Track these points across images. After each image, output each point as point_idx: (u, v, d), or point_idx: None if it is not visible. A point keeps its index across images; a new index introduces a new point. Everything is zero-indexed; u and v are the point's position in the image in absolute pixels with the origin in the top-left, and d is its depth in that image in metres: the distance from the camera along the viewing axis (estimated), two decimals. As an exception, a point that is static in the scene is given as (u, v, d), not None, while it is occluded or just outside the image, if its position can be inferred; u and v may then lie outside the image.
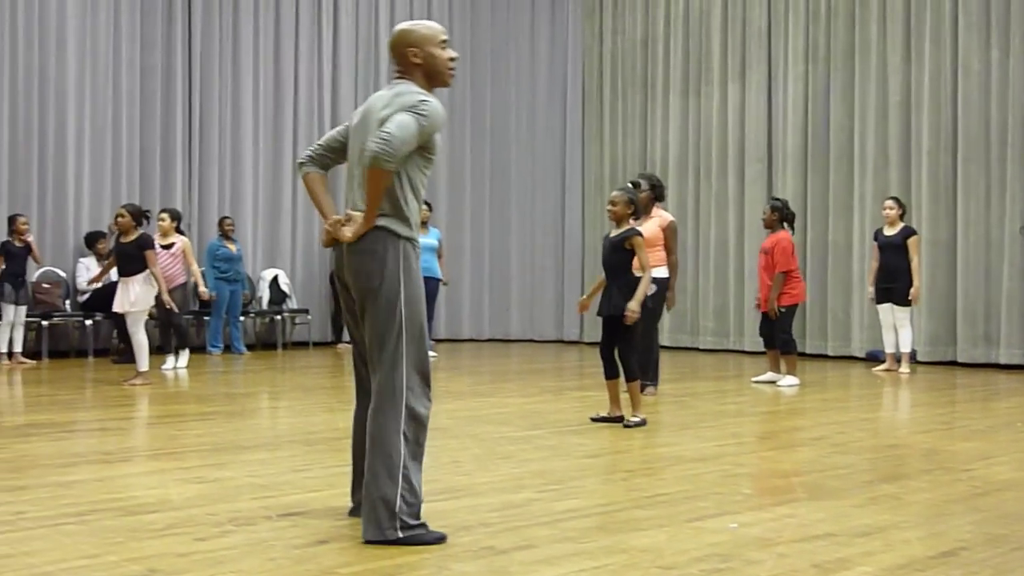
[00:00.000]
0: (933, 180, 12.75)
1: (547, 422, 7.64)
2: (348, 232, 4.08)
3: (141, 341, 9.73)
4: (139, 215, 9.99)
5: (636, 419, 7.36)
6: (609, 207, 7.54)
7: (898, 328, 11.46)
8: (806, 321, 13.63)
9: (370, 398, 4.17)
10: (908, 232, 11.45)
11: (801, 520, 4.58)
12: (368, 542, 4.03)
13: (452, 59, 4.30)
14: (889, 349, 11.61)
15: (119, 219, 9.94)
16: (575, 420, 7.79)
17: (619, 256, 7.37)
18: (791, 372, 10.23)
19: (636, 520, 4.56)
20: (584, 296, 7.83)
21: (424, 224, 12.70)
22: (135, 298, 9.71)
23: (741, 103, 14.76)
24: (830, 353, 13.40)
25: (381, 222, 4.07)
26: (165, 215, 11.80)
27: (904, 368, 11.42)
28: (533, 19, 17.05)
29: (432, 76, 4.25)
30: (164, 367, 11.20)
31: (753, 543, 4.16)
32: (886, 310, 11.48)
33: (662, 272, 8.92)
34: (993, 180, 12.34)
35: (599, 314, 7.50)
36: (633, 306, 7.19)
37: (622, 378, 7.43)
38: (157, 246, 10.56)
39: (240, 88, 14.55)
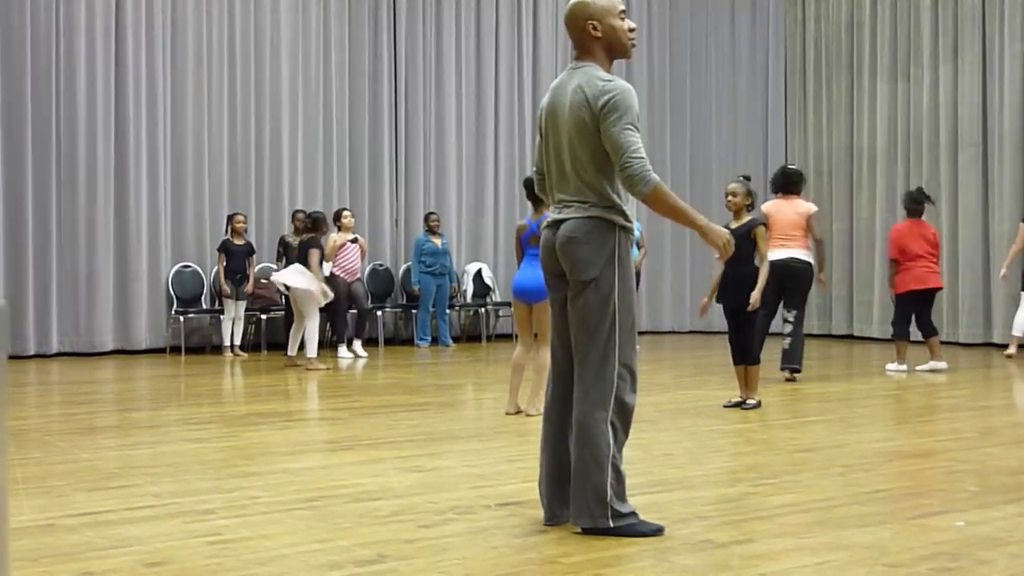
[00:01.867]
0: None
1: (756, 415, 7.54)
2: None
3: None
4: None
5: (753, 401, 7.79)
6: (729, 198, 7.89)
7: None
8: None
9: (564, 386, 4.22)
10: None
11: (1032, 520, 4.40)
12: (583, 531, 4.09)
13: (632, 30, 4.26)
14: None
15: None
16: (785, 414, 7.67)
17: (745, 246, 7.57)
18: (937, 355, 10.63)
19: (857, 516, 4.47)
20: (705, 298, 7.80)
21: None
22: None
23: (954, 86, 14.18)
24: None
25: (596, 212, 4.09)
26: (349, 212, 12.64)
27: None
28: (733, 6, 16.81)
29: (613, 49, 4.23)
30: (340, 355, 12.24)
31: (982, 542, 4.02)
32: None
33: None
34: None
35: (723, 304, 7.82)
36: (756, 295, 7.57)
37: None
38: (344, 240, 12.43)
39: (443, 87, 14.88)
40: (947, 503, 4.72)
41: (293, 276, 11.21)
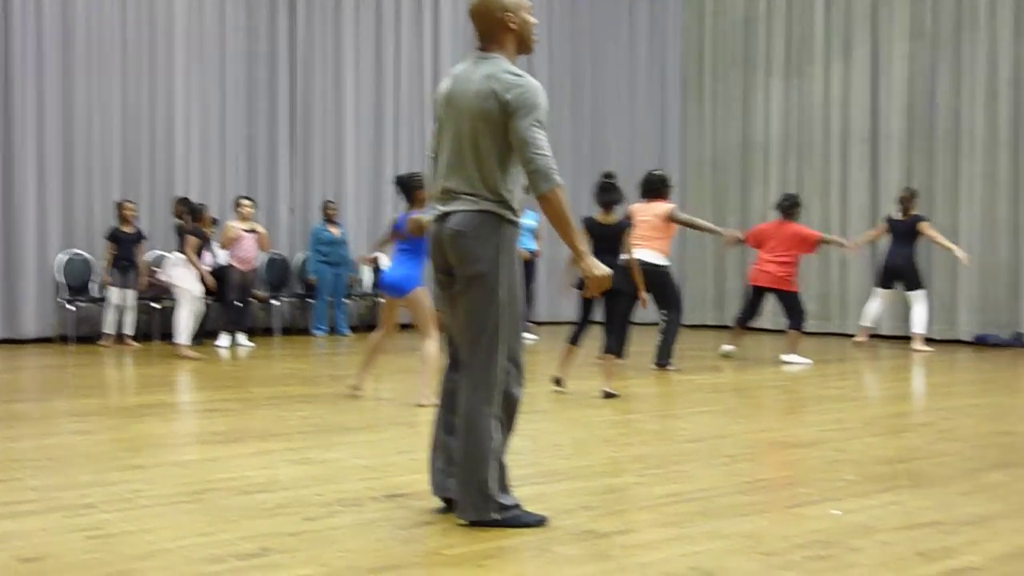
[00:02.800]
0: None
1: (648, 407, 7.65)
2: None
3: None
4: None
5: (610, 391, 7.99)
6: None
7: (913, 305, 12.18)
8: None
9: (454, 378, 4.25)
10: (917, 219, 12.05)
11: (905, 508, 4.55)
12: (468, 524, 4.11)
13: (535, 25, 4.31)
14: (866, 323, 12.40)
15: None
16: (675, 404, 7.79)
17: (615, 241, 8.12)
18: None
19: (738, 505, 4.57)
20: (570, 284, 8.08)
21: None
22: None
23: (845, 83, 14.52)
24: (936, 336, 13.14)
25: (485, 205, 4.09)
26: (248, 201, 12.51)
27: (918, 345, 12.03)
28: (632, 0, 16.96)
29: (523, 43, 4.24)
30: (219, 344, 12.20)
31: (856, 530, 4.15)
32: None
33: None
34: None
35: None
36: (642, 296, 8.29)
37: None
38: (240, 231, 12.30)
39: (341, 74, 14.76)
40: (825, 492, 4.84)
41: (173, 266, 11.39)
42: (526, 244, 12.68)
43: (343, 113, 14.78)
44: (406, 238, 7.44)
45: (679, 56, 16.70)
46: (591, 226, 8.12)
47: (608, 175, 8.27)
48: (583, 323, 8.33)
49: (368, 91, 15.01)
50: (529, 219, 12.82)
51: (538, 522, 4.14)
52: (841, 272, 14.46)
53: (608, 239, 8.04)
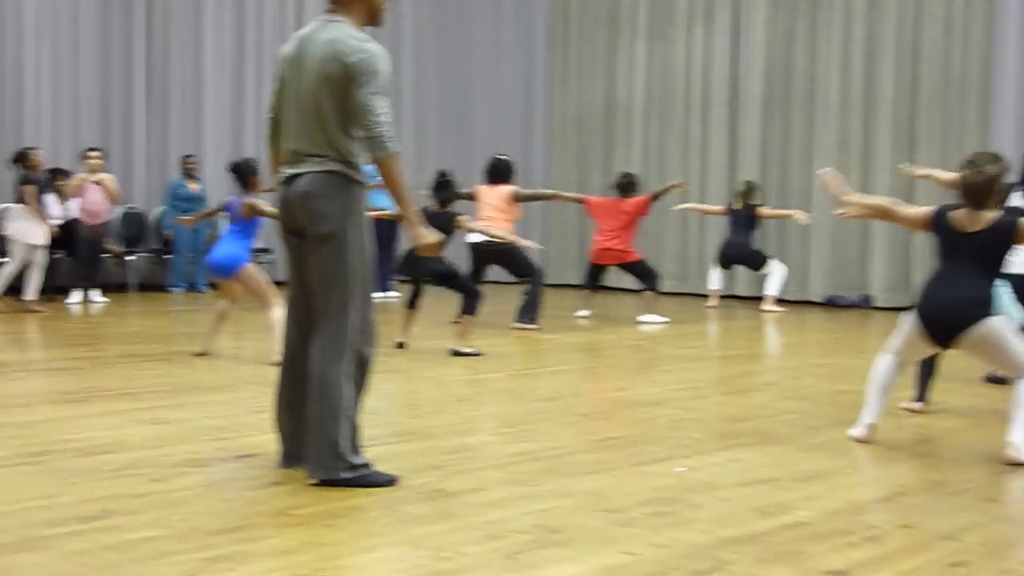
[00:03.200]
0: (895, 128, 12.91)
1: (505, 366, 7.72)
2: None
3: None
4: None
5: (469, 350, 8.10)
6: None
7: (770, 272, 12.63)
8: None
9: (303, 335, 4.25)
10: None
11: (746, 465, 4.70)
12: (318, 483, 4.11)
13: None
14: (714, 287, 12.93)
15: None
16: (532, 363, 7.88)
17: (446, 225, 8.32)
18: (654, 310, 11.12)
19: (586, 463, 4.66)
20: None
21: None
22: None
23: (707, 47, 14.77)
24: (789, 298, 13.54)
25: (334, 167, 4.10)
26: (96, 152, 12.09)
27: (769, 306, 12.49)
28: (500, -42, 16.91)
29: (373, 13, 4.25)
30: (70, 300, 11.87)
31: (697, 487, 4.27)
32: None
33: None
34: (951, 128, 12.48)
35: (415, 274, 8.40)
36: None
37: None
38: (84, 181, 11.84)
39: (201, 23, 14.38)
40: (671, 450, 4.97)
41: (15, 218, 11.12)
42: (390, 205, 12.58)
43: (202, 64, 14.41)
44: (236, 219, 7.52)
45: (546, 16, 16.73)
46: (425, 215, 8.30)
47: (443, 173, 8.61)
48: (419, 286, 8.48)
49: (229, 43, 14.66)
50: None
51: (388, 482, 4.16)
52: (701, 234, 14.77)
53: (439, 226, 8.17)
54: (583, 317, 11.21)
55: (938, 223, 5.04)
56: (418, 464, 4.54)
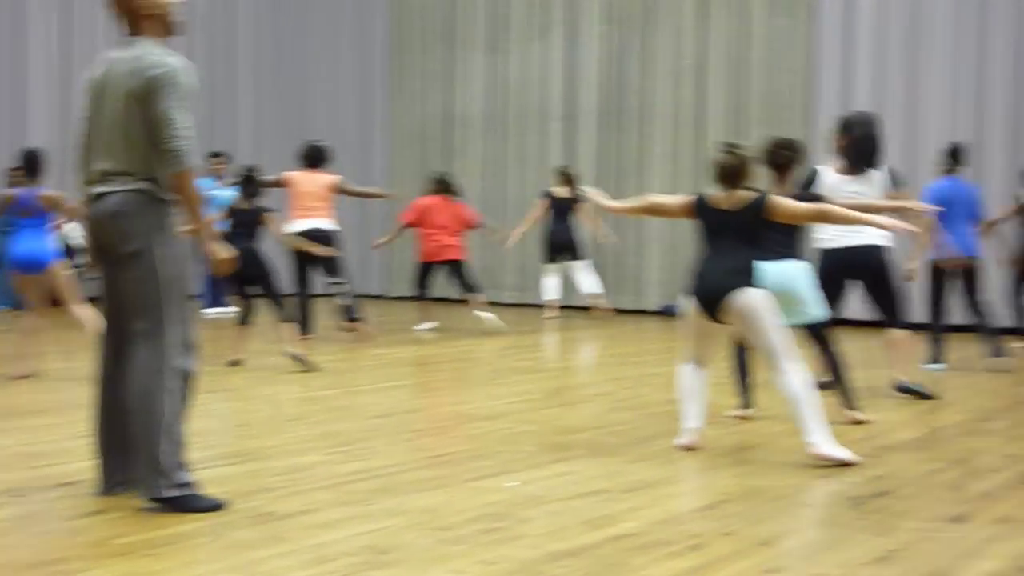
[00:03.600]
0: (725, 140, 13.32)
1: (339, 382, 7.65)
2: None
3: None
4: None
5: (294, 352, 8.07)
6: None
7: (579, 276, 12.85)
8: (607, 275, 14.08)
9: (116, 355, 4.20)
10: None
11: (577, 477, 4.77)
12: (148, 502, 4.02)
13: (176, 5, 4.29)
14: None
15: None
16: (367, 379, 7.84)
17: (253, 223, 8.45)
18: (427, 317, 11.27)
19: (419, 481, 4.66)
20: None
21: (220, 177, 12.55)
22: None
23: (543, 61, 14.97)
24: (626, 307, 13.80)
25: (142, 185, 4.10)
26: None
27: (601, 305, 12.69)
28: (336, -30, 16.80)
29: (167, 25, 4.25)
30: None
31: (528, 501, 4.32)
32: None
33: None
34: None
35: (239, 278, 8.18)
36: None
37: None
38: None
39: (24, 27, 13.88)
40: (505, 464, 5.01)
41: None
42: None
43: (25, 69, 13.90)
44: (31, 213, 7.36)
45: (384, 28, 16.68)
46: (232, 211, 8.45)
47: (248, 168, 8.72)
48: (248, 301, 8.38)
49: (53, 46, 14.17)
50: (228, 191, 12.52)
51: (214, 507, 4.09)
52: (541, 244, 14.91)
53: (246, 223, 8.34)
54: (425, 330, 11.17)
55: (700, 207, 5.36)
56: (248, 487, 4.47)
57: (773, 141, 6.40)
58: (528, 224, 13.09)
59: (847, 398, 6.17)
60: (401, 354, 9.41)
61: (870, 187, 6.93)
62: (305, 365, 7.86)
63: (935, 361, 8.61)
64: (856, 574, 3.46)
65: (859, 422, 6.08)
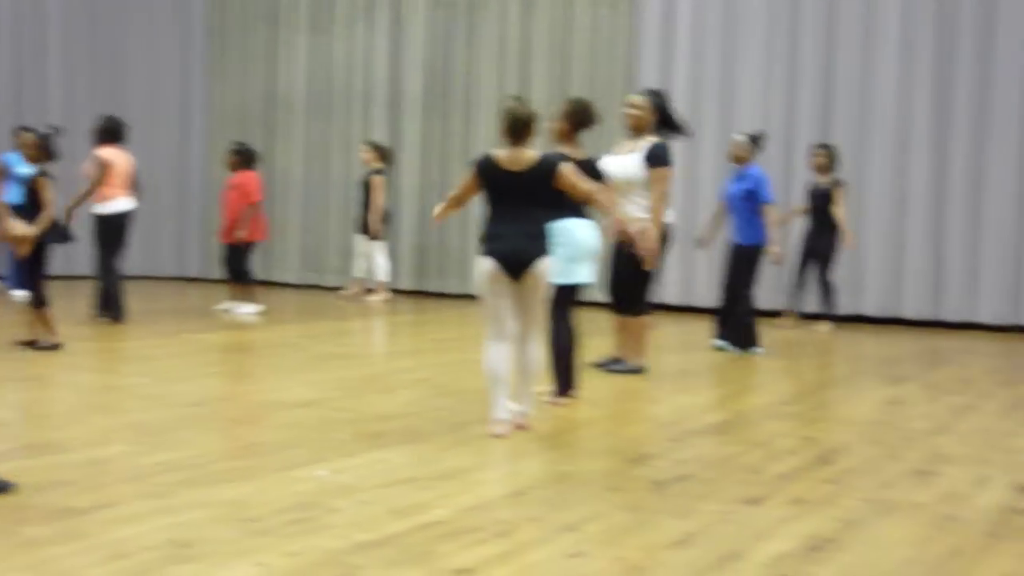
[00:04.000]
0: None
1: (151, 370, 7.44)
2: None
3: None
4: None
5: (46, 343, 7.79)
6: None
7: (372, 257, 13.03)
8: (426, 261, 14.11)
9: None
10: (374, 172, 12.95)
11: (389, 465, 4.76)
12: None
13: None
14: (358, 275, 13.26)
15: None
16: (181, 366, 7.65)
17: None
18: (249, 300, 11.15)
19: (228, 472, 4.57)
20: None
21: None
22: None
23: (367, 44, 14.84)
24: (453, 291, 13.83)
25: None
26: None
27: (379, 295, 12.89)
28: (154, -57, 16.26)
29: None
30: None
31: (338, 491, 4.29)
32: (359, 240, 13.11)
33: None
34: (602, 128, 13.12)
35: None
36: None
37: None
38: None
39: None
40: (317, 453, 4.96)
41: None
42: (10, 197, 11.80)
43: None
44: None
45: (203, 7, 16.23)
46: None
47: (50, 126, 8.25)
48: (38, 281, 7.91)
49: None
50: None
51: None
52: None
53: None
54: (248, 314, 10.97)
55: (484, 170, 5.41)
56: (45, 480, 4.30)
57: (570, 100, 6.61)
58: (376, 214, 13.05)
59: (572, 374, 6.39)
60: (217, 339, 9.22)
61: (630, 165, 7.24)
62: (43, 347, 7.64)
63: (746, 345, 8.92)
64: (655, 557, 3.56)
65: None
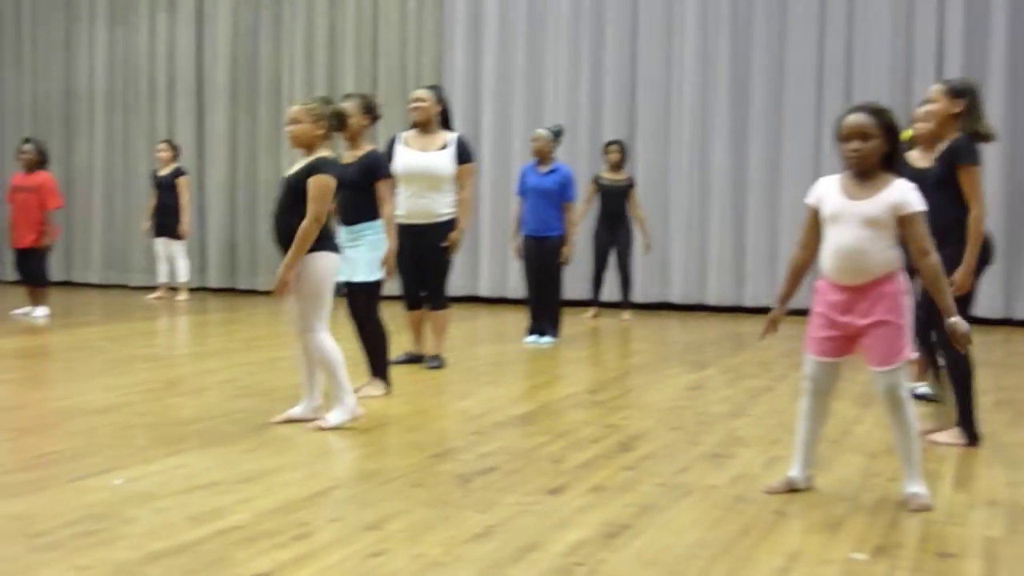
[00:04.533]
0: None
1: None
2: None
3: None
4: None
5: None
6: None
7: (175, 259, 12.84)
8: (235, 258, 13.85)
9: None
10: (179, 172, 12.78)
11: (189, 470, 4.65)
12: None
13: None
14: (163, 279, 12.95)
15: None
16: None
17: None
18: (43, 303, 10.74)
19: (14, 485, 4.38)
20: None
21: None
22: None
23: (170, 35, 14.44)
24: (260, 288, 13.59)
25: None
26: None
27: (181, 296, 12.77)
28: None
29: None
30: None
31: (134, 499, 4.16)
32: (160, 243, 12.84)
33: None
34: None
35: None
36: None
37: None
38: None
39: None
40: (114, 460, 4.80)
41: None
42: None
43: None
44: None
45: (-7, -6, 15.52)
46: None
47: None
48: None
49: None
50: None
51: None
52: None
53: None
54: (38, 317, 10.55)
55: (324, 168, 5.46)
56: None
57: (357, 97, 6.69)
58: (150, 211, 12.90)
59: (382, 370, 6.47)
60: (11, 345, 8.83)
61: (442, 160, 7.32)
62: None
63: (543, 333, 9.08)
64: (454, 551, 3.58)
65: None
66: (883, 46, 11.51)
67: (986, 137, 5.25)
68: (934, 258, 4.13)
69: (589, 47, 12.55)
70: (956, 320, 4.18)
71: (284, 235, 5.43)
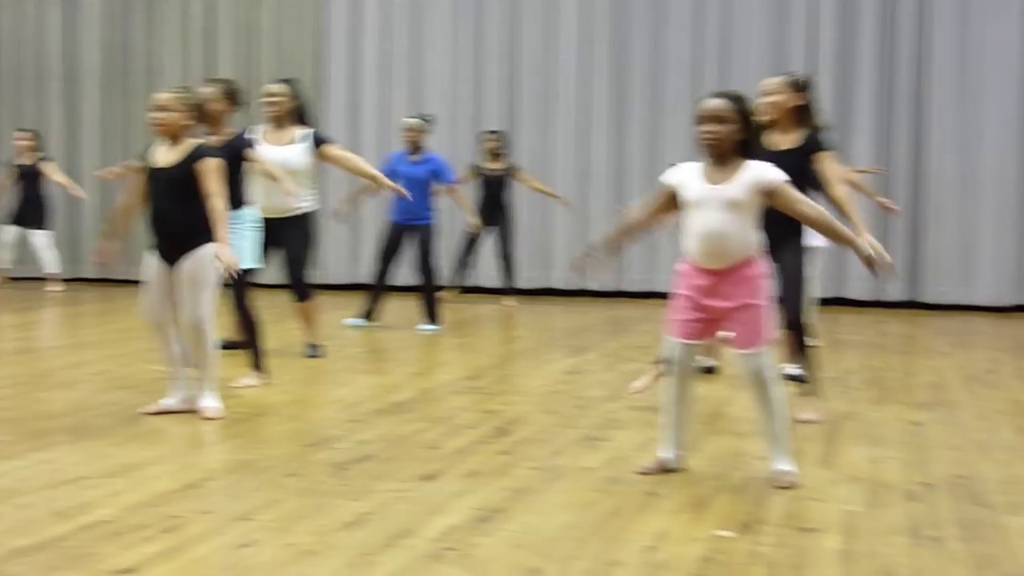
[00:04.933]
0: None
1: None
2: None
3: None
4: None
5: None
6: None
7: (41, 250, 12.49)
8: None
9: None
10: (43, 160, 12.48)
11: (56, 465, 4.54)
12: None
13: None
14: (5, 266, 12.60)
15: None
16: None
17: None
18: None
19: None
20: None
21: None
22: None
23: (39, 19, 14.02)
24: (135, 279, 13.28)
25: None
26: None
27: (54, 287, 12.33)
28: None
29: None
30: None
31: (-5, 495, 4.06)
32: (11, 231, 12.44)
33: None
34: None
35: None
36: None
37: None
38: None
39: None
40: (-25, 458, 4.67)
41: None
42: None
43: None
44: None
45: None
46: None
47: None
48: None
49: None
50: None
51: None
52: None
53: None
54: None
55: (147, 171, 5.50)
56: None
57: (220, 83, 6.63)
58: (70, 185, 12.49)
59: (258, 359, 6.38)
60: None
61: (294, 155, 7.24)
62: None
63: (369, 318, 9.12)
64: (326, 540, 3.57)
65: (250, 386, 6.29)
66: (759, 33, 11.76)
67: (825, 130, 5.55)
68: (819, 208, 4.31)
69: (471, 32, 12.55)
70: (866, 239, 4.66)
71: (180, 228, 5.36)
